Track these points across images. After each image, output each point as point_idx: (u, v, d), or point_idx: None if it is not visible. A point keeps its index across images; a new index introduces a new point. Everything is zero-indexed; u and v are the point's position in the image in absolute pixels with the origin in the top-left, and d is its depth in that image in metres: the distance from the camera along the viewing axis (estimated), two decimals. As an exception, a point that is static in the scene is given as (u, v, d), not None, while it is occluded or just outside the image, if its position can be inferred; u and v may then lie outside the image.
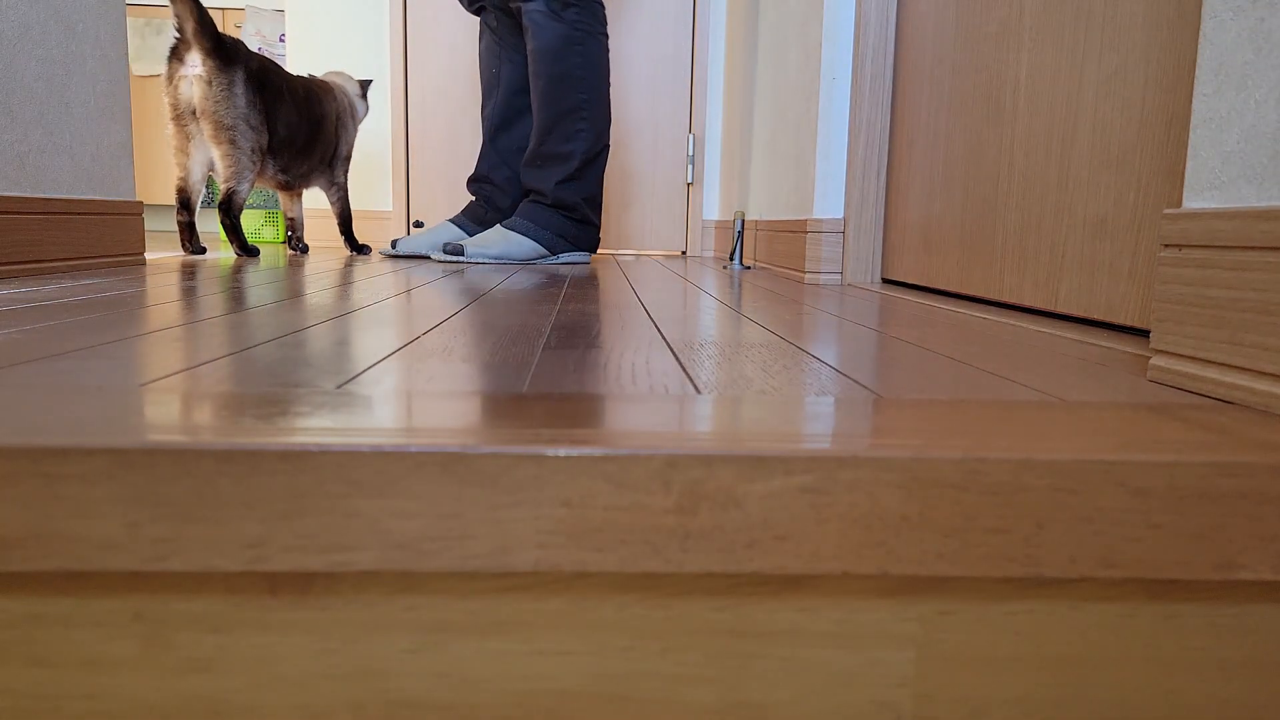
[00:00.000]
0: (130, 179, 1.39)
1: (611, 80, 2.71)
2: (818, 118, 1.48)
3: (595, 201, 1.91)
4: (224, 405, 0.42)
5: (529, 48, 1.83)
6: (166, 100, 1.73)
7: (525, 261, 1.85)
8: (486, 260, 1.82)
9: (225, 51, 1.72)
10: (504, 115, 2.01)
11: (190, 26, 1.69)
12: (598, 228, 1.95)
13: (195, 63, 1.71)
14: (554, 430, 0.38)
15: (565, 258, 1.91)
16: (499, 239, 1.83)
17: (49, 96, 1.18)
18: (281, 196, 2.12)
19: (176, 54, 1.72)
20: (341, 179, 2.18)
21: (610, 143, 1.92)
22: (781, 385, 0.51)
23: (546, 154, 1.85)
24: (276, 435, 0.36)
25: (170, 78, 1.72)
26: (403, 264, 1.74)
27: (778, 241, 1.76)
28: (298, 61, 2.68)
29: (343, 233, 2.20)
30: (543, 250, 1.86)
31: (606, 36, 1.87)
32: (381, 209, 2.74)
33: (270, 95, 1.83)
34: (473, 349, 0.62)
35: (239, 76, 1.74)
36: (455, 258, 1.81)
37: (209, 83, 1.70)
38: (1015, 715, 0.40)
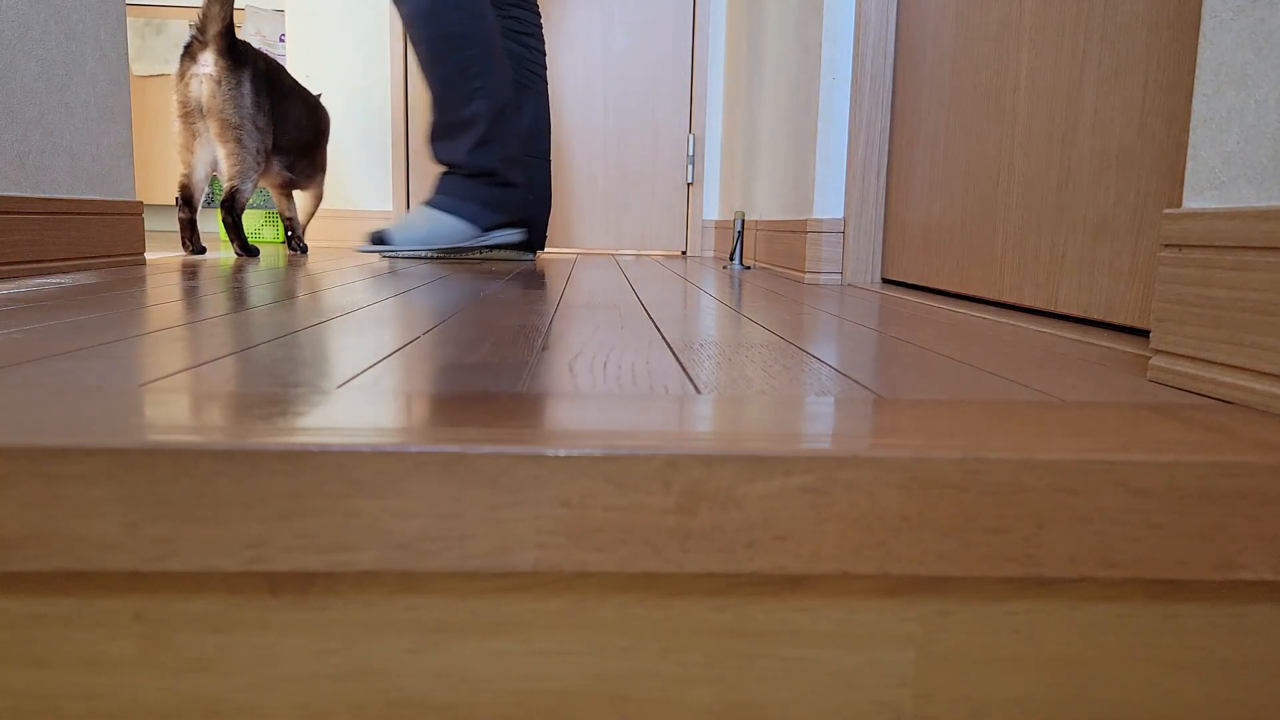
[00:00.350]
0: (130, 179, 1.39)
1: (606, 77, 2.71)
2: (818, 118, 1.48)
3: (514, 161, 1.79)
4: (224, 405, 0.42)
5: (402, 15, 1.71)
6: (175, 98, 1.74)
7: (455, 248, 1.75)
8: (415, 250, 1.72)
9: (237, 53, 1.74)
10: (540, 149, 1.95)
11: (215, 28, 1.71)
12: (521, 188, 1.81)
13: (207, 62, 1.72)
14: (554, 430, 0.38)
15: (496, 236, 1.79)
16: (424, 222, 1.73)
17: (49, 96, 1.18)
18: (277, 197, 2.13)
19: (190, 52, 1.73)
20: (322, 189, 2.20)
21: (512, 98, 1.79)
22: (781, 385, 0.51)
23: (450, 123, 1.73)
24: (276, 435, 0.36)
25: (181, 75, 1.73)
26: (401, 264, 1.74)
27: (778, 241, 1.76)
28: (298, 62, 2.68)
29: (299, 233, 2.23)
30: (471, 230, 1.75)
31: None
32: (381, 209, 2.74)
33: (277, 97, 1.84)
34: (472, 349, 0.62)
35: (246, 77, 1.75)
36: (380, 248, 1.71)
37: (218, 82, 1.72)
38: (1015, 715, 0.40)
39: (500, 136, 1.74)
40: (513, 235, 1.82)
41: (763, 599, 0.39)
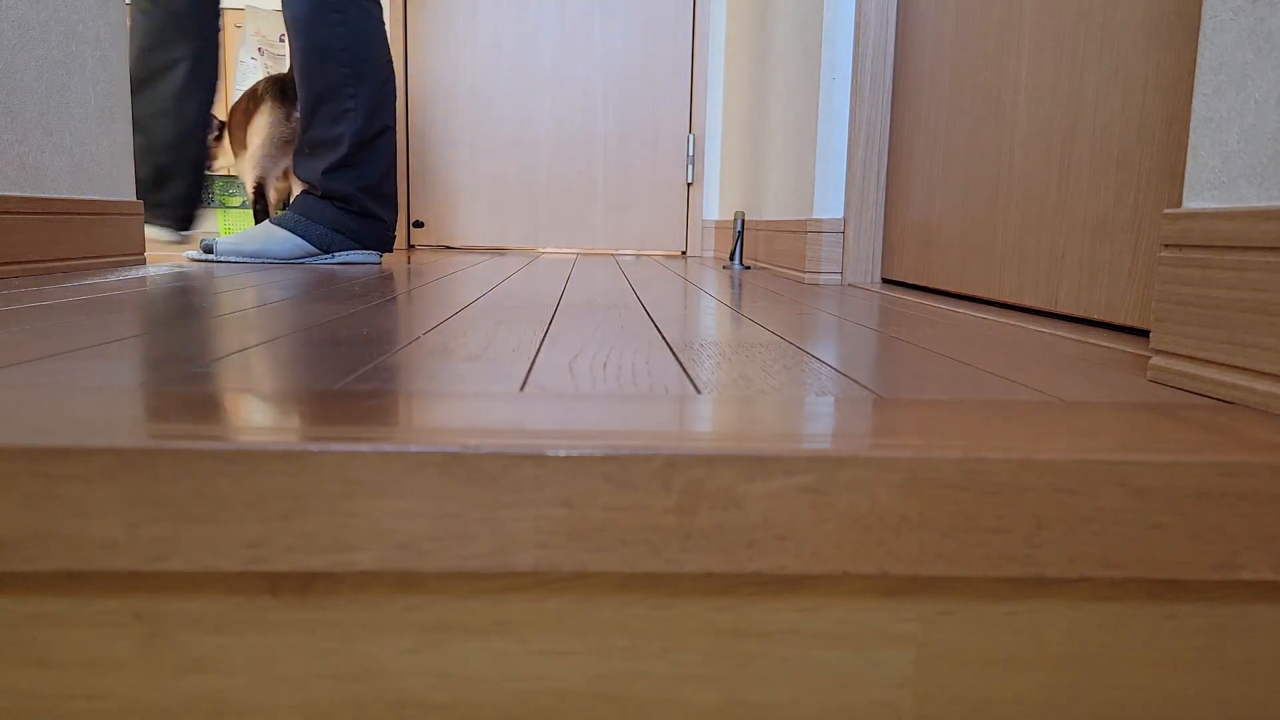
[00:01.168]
0: (130, 179, 1.39)
1: (606, 77, 2.71)
2: (818, 118, 1.48)
3: (378, 192, 1.66)
4: (223, 405, 0.42)
5: (285, 16, 1.62)
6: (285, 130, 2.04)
7: (289, 260, 1.64)
8: (242, 260, 1.61)
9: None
10: (137, 75, 1.76)
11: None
12: (385, 222, 1.68)
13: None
14: (554, 430, 0.38)
15: (343, 257, 1.68)
16: (261, 235, 1.63)
17: (49, 96, 1.18)
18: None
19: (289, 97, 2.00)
20: None
21: (393, 124, 1.68)
22: (781, 385, 0.51)
23: (314, 140, 1.63)
24: (276, 435, 0.36)
25: (287, 116, 2.00)
26: (401, 265, 1.74)
27: (778, 241, 1.76)
28: (298, 61, 2.68)
29: None
30: (311, 249, 1.64)
31: (376, 3, 1.63)
32: (381, 209, 2.74)
33: None
34: (472, 349, 0.62)
35: None
36: (206, 256, 1.61)
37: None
38: (1015, 715, 0.40)
39: (364, 163, 1.64)
40: (364, 256, 1.70)
41: (763, 599, 0.39)
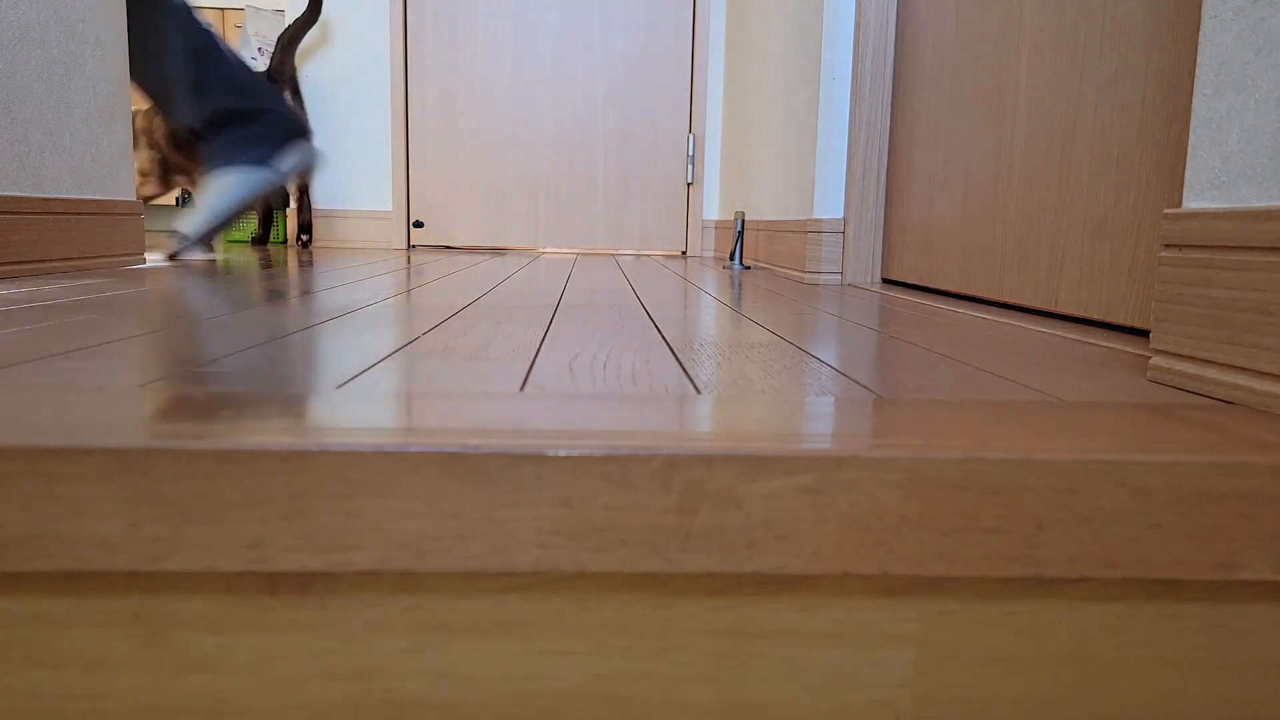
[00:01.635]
0: (130, 179, 1.39)
1: (606, 77, 2.71)
2: (818, 118, 1.48)
3: (249, 88, 1.57)
4: (224, 405, 0.42)
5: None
6: None
7: (252, 196, 1.55)
8: (218, 221, 1.53)
9: None
10: None
11: None
12: (279, 111, 1.59)
13: None
14: (554, 430, 0.38)
15: (286, 165, 1.59)
16: (212, 194, 1.54)
17: (49, 96, 1.18)
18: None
19: None
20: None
21: (208, 28, 1.56)
22: (781, 385, 0.51)
23: (160, 91, 1.53)
24: (276, 435, 0.36)
25: None
26: (401, 265, 1.73)
27: (778, 241, 1.76)
28: (297, 61, 2.68)
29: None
30: (262, 171, 1.54)
31: None
32: (381, 209, 2.74)
33: None
34: (472, 349, 0.62)
35: None
36: (185, 244, 1.54)
37: None
38: (1015, 715, 0.40)
39: (216, 71, 1.53)
40: (301, 153, 1.59)
41: (763, 599, 0.39)
